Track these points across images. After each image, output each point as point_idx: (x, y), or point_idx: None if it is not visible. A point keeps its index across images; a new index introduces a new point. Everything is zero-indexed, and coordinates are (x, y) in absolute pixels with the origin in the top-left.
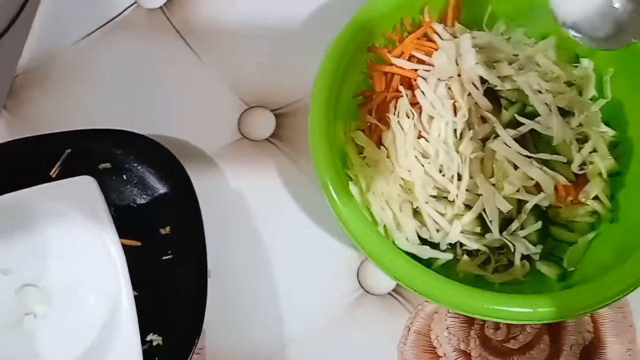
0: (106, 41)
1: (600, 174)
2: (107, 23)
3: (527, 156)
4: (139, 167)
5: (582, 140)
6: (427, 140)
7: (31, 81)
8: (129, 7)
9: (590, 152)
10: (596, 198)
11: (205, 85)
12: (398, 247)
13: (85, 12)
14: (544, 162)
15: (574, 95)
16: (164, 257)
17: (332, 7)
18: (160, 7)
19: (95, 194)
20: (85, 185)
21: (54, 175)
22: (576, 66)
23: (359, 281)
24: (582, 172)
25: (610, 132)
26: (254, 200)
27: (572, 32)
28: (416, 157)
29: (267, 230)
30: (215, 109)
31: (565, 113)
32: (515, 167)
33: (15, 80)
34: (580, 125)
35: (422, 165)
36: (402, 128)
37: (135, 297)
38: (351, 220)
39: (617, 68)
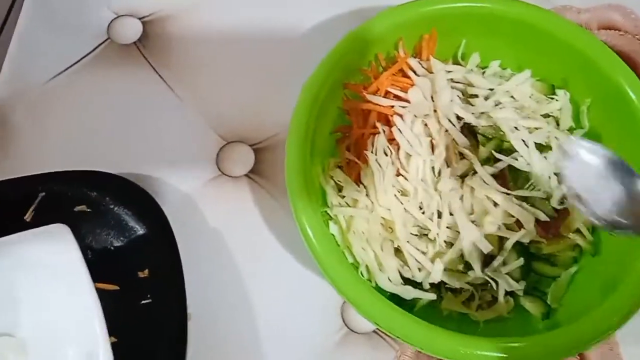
0: (79, 78)
1: None
2: (80, 60)
3: (506, 193)
4: (115, 209)
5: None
6: (405, 178)
7: (1, 122)
8: (102, 43)
9: None
10: (578, 231)
11: (181, 121)
12: (380, 289)
13: (57, 49)
14: (524, 198)
15: (551, 129)
16: (143, 301)
17: (310, 42)
18: (134, 42)
19: (70, 243)
20: (59, 234)
21: (28, 220)
22: (552, 98)
23: (343, 319)
24: (563, 206)
25: None
26: (234, 239)
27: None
28: (395, 195)
29: (247, 270)
30: (193, 145)
31: (542, 147)
32: (495, 204)
33: None
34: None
35: (402, 204)
36: (380, 166)
37: (114, 344)
38: (329, 264)
39: (594, 98)
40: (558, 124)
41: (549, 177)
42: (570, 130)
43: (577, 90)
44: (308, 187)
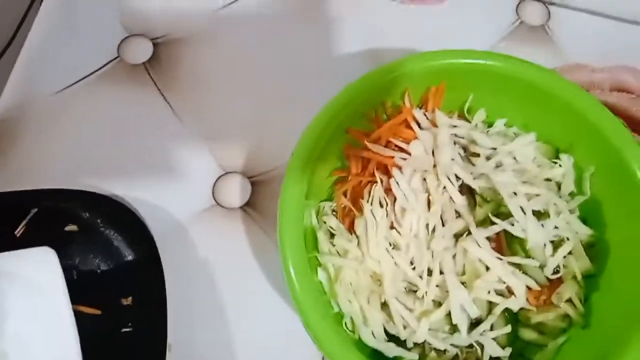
0: (85, 95)
1: (574, 276)
2: (87, 76)
3: (499, 258)
4: (105, 232)
5: (558, 242)
6: (399, 232)
7: (5, 132)
8: (111, 60)
9: (566, 256)
10: (569, 301)
11: (182, 147)
12: (362, 342)
13: (66, 63)
14: (517, 265)
15: (550, 196)
16: (124, 329)
17: (319, 79)
18: (143, 62)
19: (53, 266)
20: (44, 257)
21: (18, 235)
22: (556, 162)
23: None
24: (556, 275)
25: (587, 232)
26: (222, 271)
27: None
28: (387, 248)
29: (232, 303)
30: (191, 172)
31: (540, 215)
32: (487, 268)
33: None
34: (556, 227)
35: (392, 258)
36: (374, 217)
37: None
38: (312, 319)
39: (598, 166)
40: (559, 188)
41: (544, 245)
42: (572, 195)
43: (581, 155)
44: (299, 232)
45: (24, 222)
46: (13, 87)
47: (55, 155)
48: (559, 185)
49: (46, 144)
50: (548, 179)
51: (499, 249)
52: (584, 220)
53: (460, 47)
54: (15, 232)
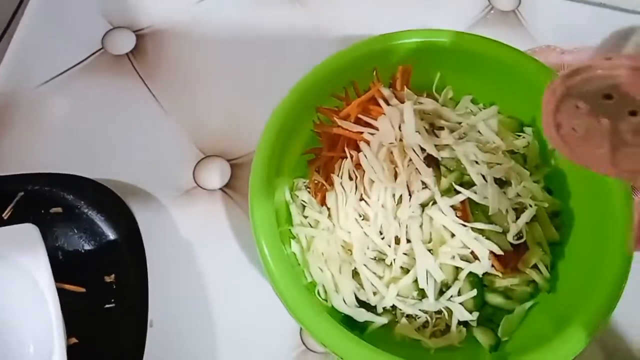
0: (70, 85)
1: (539, 243)
2: (72, 67)
3: (463, 224)
4: (89, 213)
5: (520, 210)
6: (367, 204)
7: None
8: (95, 52)
9: (530, 222)
10: (535, 267)
11: (164, 133)
12: (335, 309)
13: (52, 55)
14: (481, 231)
15: (511, 166)
16: (107, 305)
17: (295, 64)
18: (127, 53)
19: (37, 244)
20: (28, 233)
21: (6, 218)
22: (519, 135)
23: (301, 338)
24: (520, 241)
25: (550, 200)
26: (203, 250)
27: None
28: (356, 219)
29: (213, 281)
30: (173, 156)
31: (502, 183)
32: (452, 235)
33: None
34: (518, 195)
35: (362, 227)
36: (344, 189)
37: (76, 345)
38: (282, 284)
39: None
40: (525, 161)
41: (506, 212)
42: (537, 167)
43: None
44: (269, 205)
45: (10, 206)
46: (1, 78)
47: (41, 143)
48: (524, 158)
49: (32, 133)
50: (513, 151)
51: (464, 217)
52: (550, 190)
53: None
54: (3, 215)
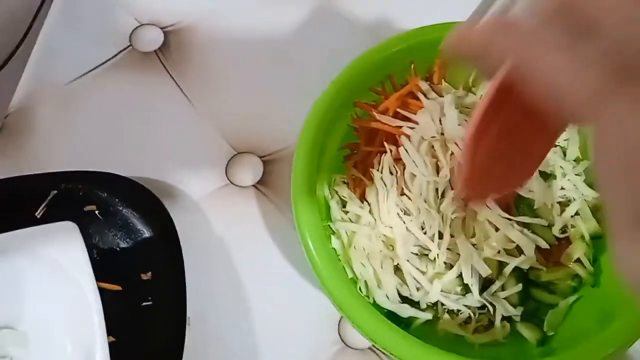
0: (99, 83)
1: (582, 236)
2: (101, 65)
3: (507, 218)
4: (123, 211)
5: (565, 203)
6: (409, 198)
7: (22, 120)
8: (123, 49)
9: (573, 216)
10: (578, 261)
11: (195, 130)
12: (378, 305)
13: (80, 53)
14: (525, 225)
15: (556, 159)
16: (144, 303)
17: (326, 59)
18: (155, 50)
19: (76, 240)
20: (67, 231)
21: (39, 216)
22: None
23: (339, 334)
24: (565, 235)
25: (593, 195)
26: (237, 247)
27: None
28: (398, 214)
29: (248, 278)
30: (204, 153)
31: (547, 176)
32: (497, 229)
33: (5, 119)
34: (563, 188)
35: (404, 223)
36: (384, 184)
37: (113, 343)
38: (328, 278)
39: None
40: (565, 154)
41: (551, 206)
42: (577, 160)
43: None
44: (312, 201)
45: (44, 204)
46: (28, 78)
47: (72, 141)
48: (564, 152)
49: (63, 131)
50: (555, 145)
51: (508, 211)
52: (591, 185)
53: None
54: (36, 214)
